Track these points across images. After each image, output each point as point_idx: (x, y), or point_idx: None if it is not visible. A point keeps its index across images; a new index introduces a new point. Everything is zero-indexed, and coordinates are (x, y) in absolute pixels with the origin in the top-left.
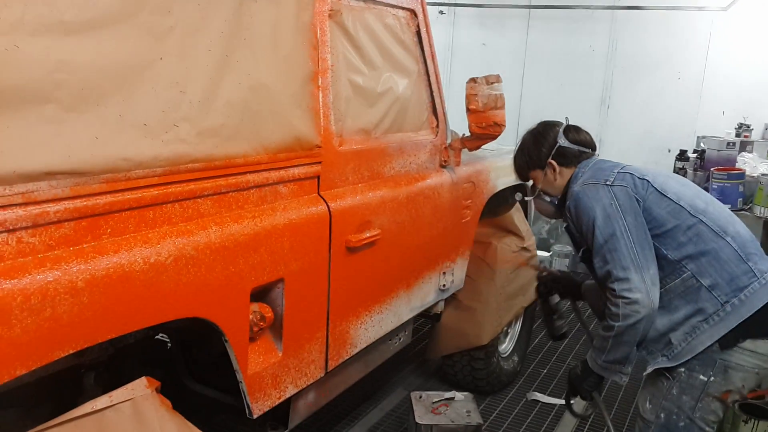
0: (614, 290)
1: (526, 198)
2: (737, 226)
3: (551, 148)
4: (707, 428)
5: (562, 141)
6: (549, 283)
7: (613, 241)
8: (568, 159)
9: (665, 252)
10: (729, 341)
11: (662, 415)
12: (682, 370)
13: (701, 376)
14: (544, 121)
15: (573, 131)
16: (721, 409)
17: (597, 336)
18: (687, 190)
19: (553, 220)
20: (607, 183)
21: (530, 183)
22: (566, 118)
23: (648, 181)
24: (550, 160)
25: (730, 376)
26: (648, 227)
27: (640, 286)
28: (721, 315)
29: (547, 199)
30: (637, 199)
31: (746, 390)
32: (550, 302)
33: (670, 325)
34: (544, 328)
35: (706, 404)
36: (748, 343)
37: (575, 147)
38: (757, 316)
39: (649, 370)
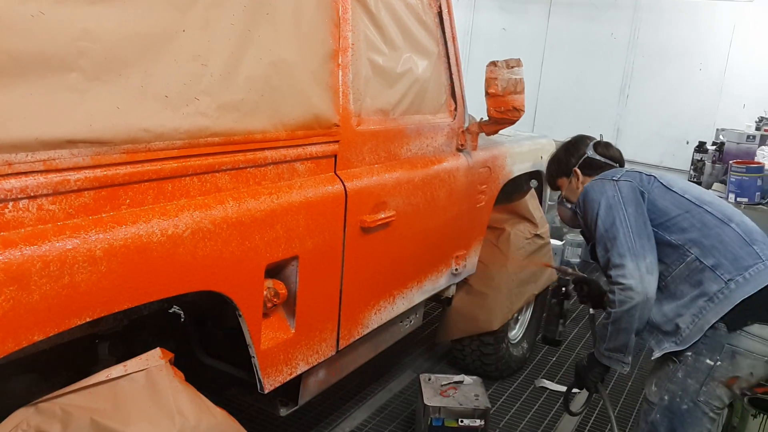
0: (611, 277)
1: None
2: (743, 218)
3: (579, 158)
4: (711, 413)
5: (591, 152)
6: (580, 284)
7: (613, 230)
8: (592, 169)
9: (669, 238)
10: (736, 321)
11: (666, 398)
12: (689, 353)
13: (707, 360)
14: (579, 135)
15: (603, 146)
16: (727, 396)
17: (600, 326)
18: (693, 188)
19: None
20: (614, 179)
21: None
22: (600, 135)
23: (654, 176)
24: (575, 168)
25: (737, 362)
26: (652, 217)
27: (634, 273)
28: (725, 293)
29: (569, 205)
30: (642, 192)
31: (755, 378)
32: (564, 305)
33: (677, 310)
34: (543, 329)
35: (711, 389)
36: (756, 328)
37: (602, 159)
38: (766, 299)
39: (657, 355)
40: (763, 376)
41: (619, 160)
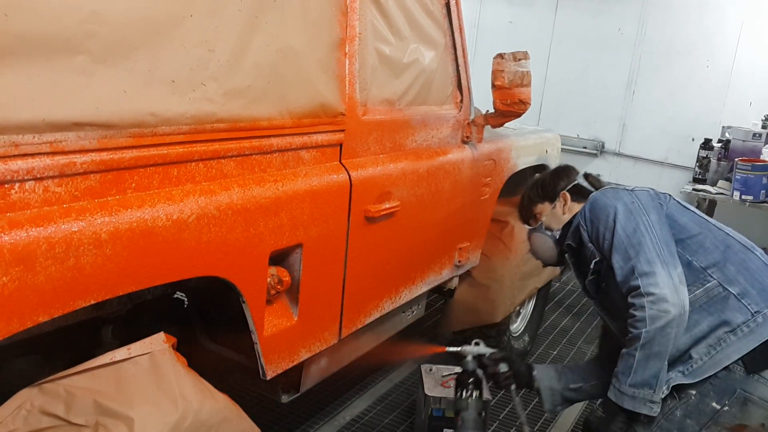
0: (638, 287)
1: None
2: (762, 250)
3: (569, 183)
4: None
5: (581, 180)
6: (499, 363)
7: (637, 236)
8: (582, 196)
9: (689, 258)
10: (757, 363)
11: None
12: (693, 392)
13: (714, 404)
14: (566, 164)
15: (593, 177)
16: None
17: (621, 359)
18: (704, 214)
19: None
20: (627, 189)
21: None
22: (598, 175)
23: (669, 195)
24: (563, 191)
25: (748, 410)
26: (672, 232)
27: (668, 282)
28: (751, 326)
29: (549, 233)
30: (660, 203)
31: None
32: (485, 404)
33: (691, 341)
34: None
35: None
36: None
37: (592, 189)
38: None
39: (658, 410)
40: None
41: None
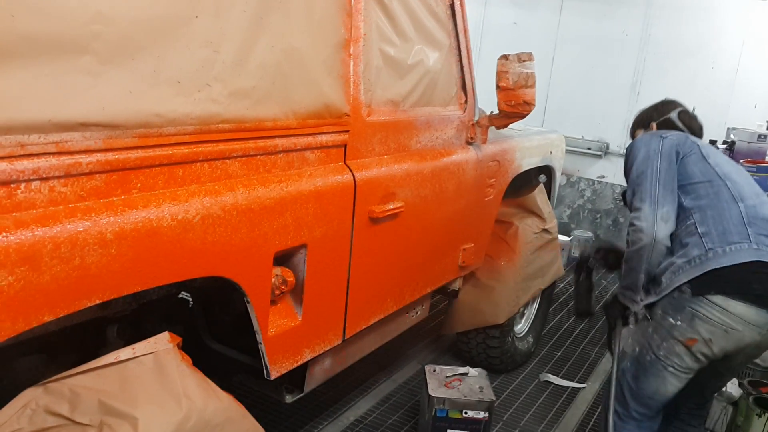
0: (630, 219)
1: None
2: (762, 202)
3: (661, 116)
4: (672, 369)
5: (674, 116)
6: (604, 252)
7: (642, 178)
8: (668, 129)
9: (683, 200)
10: (701, 288)
11: (636, 349)
12: (659, 311)
13: (670, 319)
14: (673, 99)
15: (687, 115)
16: (687, 355)
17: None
18: (726, 164)
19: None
20: (662, 136)
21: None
22: (693, 108)
23: (698, 144)
24: (652, 122)
25: (695, 325)
26: (679, 178)
27: (649, 217)
28: (702, 259)
29: None
30: (678, 152)
31: (716, 347)
32: (592, 277)
33: (665, 266)
34: (576, 304)
35: (671, 345)
36: (719, 299)
37: (680, 125)
38: (736, 275)
39: (643, 304)
40: (725, 346)
41: (696, 134)
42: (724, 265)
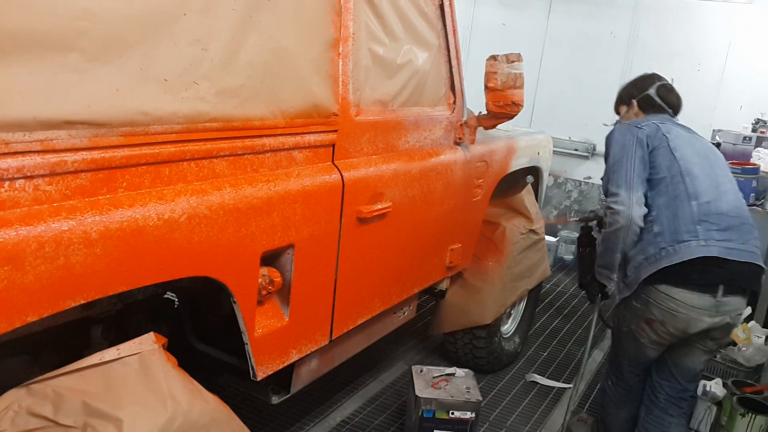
0: (607, 203)
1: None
2: (718, 195)
3: (640, 92)
4: (643, 341)
5: (652, 92)
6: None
7: (618, 165)
8: (648, 106)
9: (647, 194)
10: (653, 280)
11: (617, 322)
12: (631, 297)
13: (634, 302)
14: (653, 73)
15: (665, 89)
16: (650, 331)
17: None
18: (692, 157)
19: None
20: (638, 126)
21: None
22: (672, 79)
23: (667, 137)
24: (633, 100)
25: (650, 308)
26: (648, 167)
27: (626, 201)
28: (656, 257)
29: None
30: (648, 144)
31: (670, 326)
32: (596, 249)
33: (629, 260)
34: (579, 278)
35: (638, 322)
36: (664, 287)
37: (658, 100)
38: (681, 269)
39: (618, 299)
40: (677, 326)
41: (674, 107)
42: (674, 262)
